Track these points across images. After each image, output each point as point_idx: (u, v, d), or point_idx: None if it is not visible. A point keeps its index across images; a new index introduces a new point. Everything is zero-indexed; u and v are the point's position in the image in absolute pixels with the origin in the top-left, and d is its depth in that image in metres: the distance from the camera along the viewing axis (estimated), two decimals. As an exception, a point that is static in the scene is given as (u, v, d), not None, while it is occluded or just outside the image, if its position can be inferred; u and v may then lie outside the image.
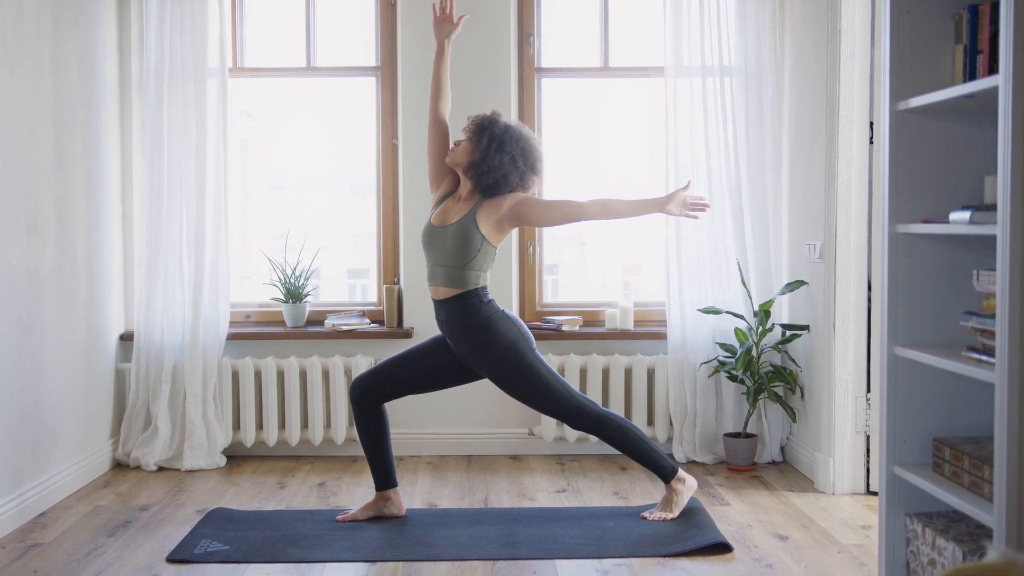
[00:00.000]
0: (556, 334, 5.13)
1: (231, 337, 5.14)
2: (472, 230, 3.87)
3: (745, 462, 4.91)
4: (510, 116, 5.14)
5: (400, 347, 4.99)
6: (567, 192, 5.14)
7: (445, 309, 3.94)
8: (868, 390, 4.47)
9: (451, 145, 4.05)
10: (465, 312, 3.89)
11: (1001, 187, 2.42)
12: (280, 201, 5.79)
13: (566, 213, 3.95)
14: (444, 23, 4.11)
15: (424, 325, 5.10)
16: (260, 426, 5.20)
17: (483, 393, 5.14)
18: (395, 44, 5.25)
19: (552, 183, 5.35)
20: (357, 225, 5.59)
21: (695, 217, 4.12)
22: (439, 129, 4.12)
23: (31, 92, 4.23)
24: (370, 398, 4.04)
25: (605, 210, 3.95)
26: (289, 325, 5.26)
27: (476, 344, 3.91)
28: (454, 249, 3.88)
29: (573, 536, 3.86)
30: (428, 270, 3.99)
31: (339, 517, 4.09)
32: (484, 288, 3.93)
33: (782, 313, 5.11)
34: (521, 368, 3.92)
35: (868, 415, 4.46)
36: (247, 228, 5.73)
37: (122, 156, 5.17)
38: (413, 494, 4.53)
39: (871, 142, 4.41)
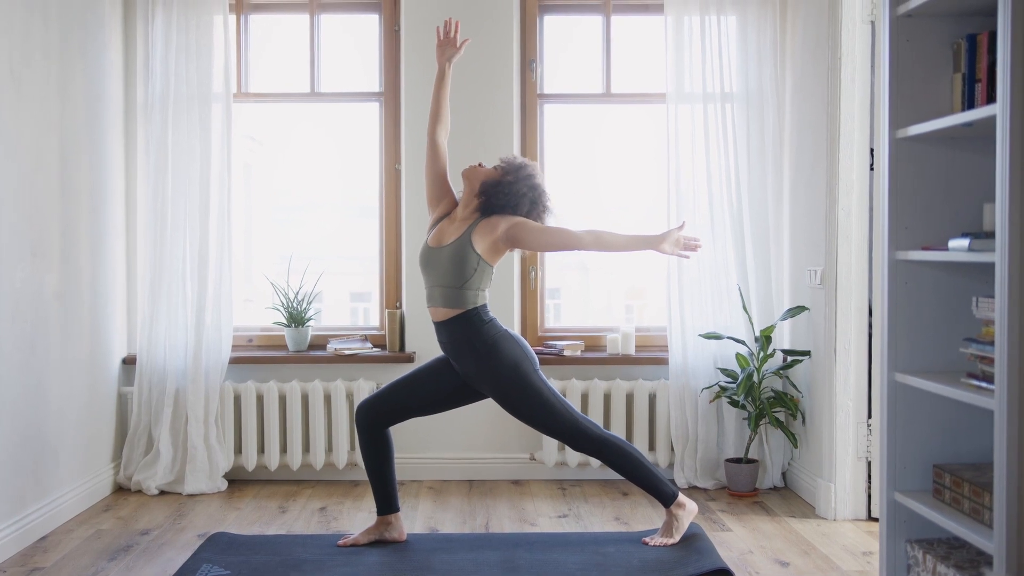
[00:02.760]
0: (558, 359, 5.14)
1: (233, 361, 5.15)
2: (468, 250, 3.89)
3: (746, 488, 4.90)
4: (512, 141, 5.19)
5: (402, 371, 5.01)
6: (566, 219, 5.16)
7: (446, 330, 3.95)
8: (869, 416, 4.47)
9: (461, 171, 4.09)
10: (467, 332, 3.91)
11: (999, 214, 2.44)
12: (283, 225, 5.82)
13: (559, 241, 3.97)
14: (447, 46, 4.14)
15: (426, 349, 5.11)
16: (262, 450, 5.20)
17: (484, 418, 5.15)
18: (398, 70, 5.29)
19: (554, 207, 5.37)
20: (359, 250, 5.62)
21: (687, 257, 4.13)
22: (436, 153, 4.15)
23: (37, 115, 4.26)
24: (376, 422, 4.04)
25: (598, 242, 3.95)
26: (291, 349, 5.27)
27: (480, 364, 3.92)
28: (450, 270, 3.90)
29: (574, 561, 3.86)
30: (427, 291, 4.00)
31: (340, 542, 4.08)
32: (484, 307, 3.95)
33: (783, 338, 5.12)
34: (524, 388, 3.93)
35: (869, 441, 4.46)
36: (250, 252, 5.76)
37: (127, 180, 5.20)
38: (414, 519, 4.52)
39: (872, 169, 4.43)
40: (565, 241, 3.96)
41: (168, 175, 5.03)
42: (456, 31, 4.13)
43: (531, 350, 4.01)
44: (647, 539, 4.08)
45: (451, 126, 4.06)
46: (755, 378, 4.85)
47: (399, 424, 4.16)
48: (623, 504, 4.79)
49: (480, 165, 4.04)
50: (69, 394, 4.55)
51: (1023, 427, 2.41)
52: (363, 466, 4.14)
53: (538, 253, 5.34)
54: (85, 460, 4.73)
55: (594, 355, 5.22)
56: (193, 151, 5.04)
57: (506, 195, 3.93)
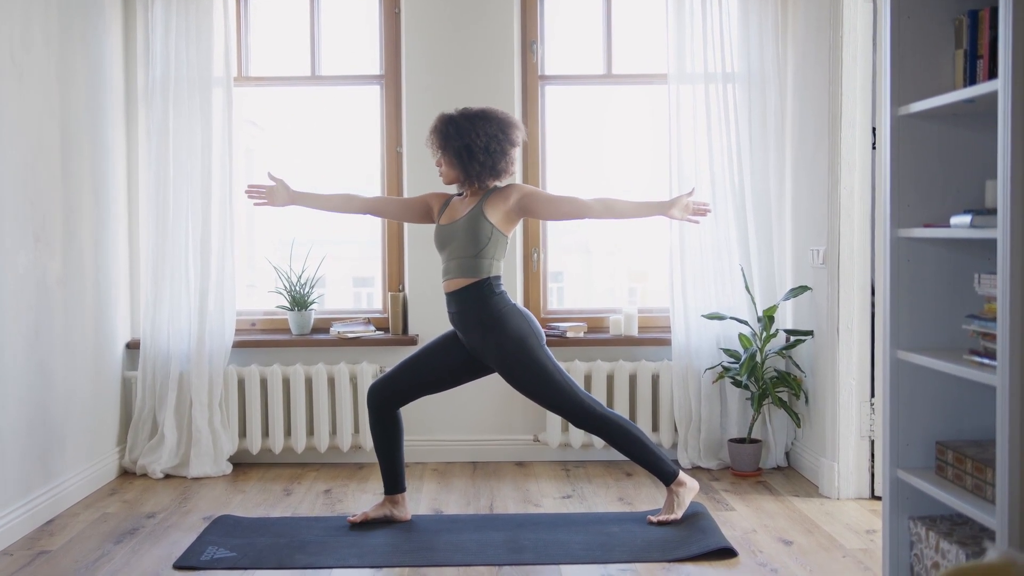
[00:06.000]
0: (561, 340, 5.14)
1: (237, 345, 5.16)
2: (481, 219, 3.92)
3: (750, 467, 4.92)
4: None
5: (406, 354, 4.99)
6: (572, 191, 5.16)
7: (457, 300, 3.96)
8: (872, 395, 4.47)
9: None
10: (476, 302, 3.92)
11: (1001, 191, 2.43)
12: (285, 209, 5.80)
13: (569, 210, 4.02)
14: (273, 195, 4.20)
15: (429, 332, 5.11)
16: (266, 433, 5.21)
17: (488, 400, 5.16)
18: (399, 53, 5.28)
19: (557, 188, 5.37)
20: (362, 233, 5.62)
21: (696, 222, 4.18)
22: (384, 206, 4.31)
23: (38, 101, 4.26)
24: (386, 402, 4.07)
25: (608, 209, 4.01)
26: (295, 333, 5.28)
27: (486, 335, 3.94)
28: (466, 240, 3.92)
29: (578, 541, 3.87)
30: (443, 267, 4.02)
31: (351, 518, 4.12)
32: (497, 278, 3.97)
33: (786, 318, 5.13)
34: (529, 363, 3.94)
35: (872, 420, 4.47)
36: (252, 236, 5.76)
37: (128, 165, 5.19)
38: (419, 500, 4.54)
39: (874, 147, 4.42)
40: (576, 209, 4.01)
41: (170, 160, 5.03)
42: (257, 185, 4.22)
43: (538, 325, 4.02)
44: (651, 517, 4.09)
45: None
46: (758, 358, 4.86)
47: (404, 407, 4.18)
48: (627, 484, 4.80)
49: (439, 164, 4.04)
50: (73, 379, 4.56)
51: (1025, 403, 2.41)
52: (371, 447, 4.17)
53: (540, 234, 5.34)
54: (90, 444, 4.75)
55: (597, 336, 5.22)
56: (194, 136, 5.04)
57: (480, 172, 3.95)
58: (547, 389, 3.98)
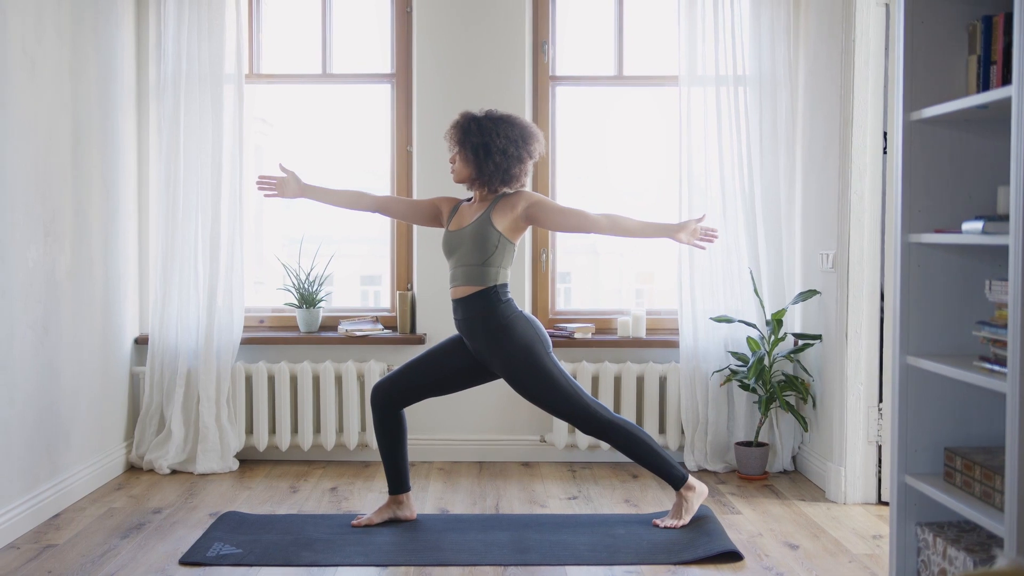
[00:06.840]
0: (568, 341, 5.14)
1: (245, 342, 5.16)
2: (488, 228, 3.91)
3: (757, 471, 4.91)
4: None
5: (413, 353, 5.02)
6: (581, 201, 5.16)
7: (463, 307, 3.96)
8: (880, 400, 4.46)
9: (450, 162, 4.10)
10: (483, 310, 3.92)
11: (1014, 197, 2.42)
12: (294, 207, 5.82)
13: (576, 223, 4.00)
14: (283, 187, 4.16)
15: (437, 331, 5.12)
16: (273, 430, 5.22)
17: (495, 400, 5.16)
18: (410, 51, 5.28)
19: (565, 190, 5.38)
20: (371, 231, 5.62)
21: (703, 247, 4.17)
22: (393, 205, 4.26)
23: (50, 96, 4.27)
24: (390, 403, 4.07)
25: (615, 226, 3.99)
26: (303, 330, 5.28)
27: (492, 343, 3.94)
28: (473, 247, 3.92)
29: (584, 543, 3.87)
30: (450, 273, 4.02)
31: (354, 522, 4.11)
32: (504, 286, 3.96)
33: (794, 322, 5.12)
34: (535, 369, 3.94)
35: (880, 425, 4.46)
36: (261, 233, 5.77)
37: (139, 160, 5.20)
38: (425, 499, 4.54)
39: (885, 152, 4.41)
40: (582, 223, 3.99)
41: (180, 156, 5.03)
42: (267, 177, 4.16)
43: (545, 332, 4.02)
44: (657, 521, 4.09)
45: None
46: (766, 362, 4.85)
47: (410, 406, 4.18)
48: (633, 486, 4.79)
49: (452, 161, 4.04)
50: (82, 374, 4.57)
51: (1035, 410, 2.41)
52: (375, 446, 4.17)
53: (549, 236, 5.34)
54: (97, 439, 4.76)
55: (605, 338, 5.22)
56: (205, 132, 5.04)
57: (493, 177, 3.94)
58: (553, 396, 3.97)
